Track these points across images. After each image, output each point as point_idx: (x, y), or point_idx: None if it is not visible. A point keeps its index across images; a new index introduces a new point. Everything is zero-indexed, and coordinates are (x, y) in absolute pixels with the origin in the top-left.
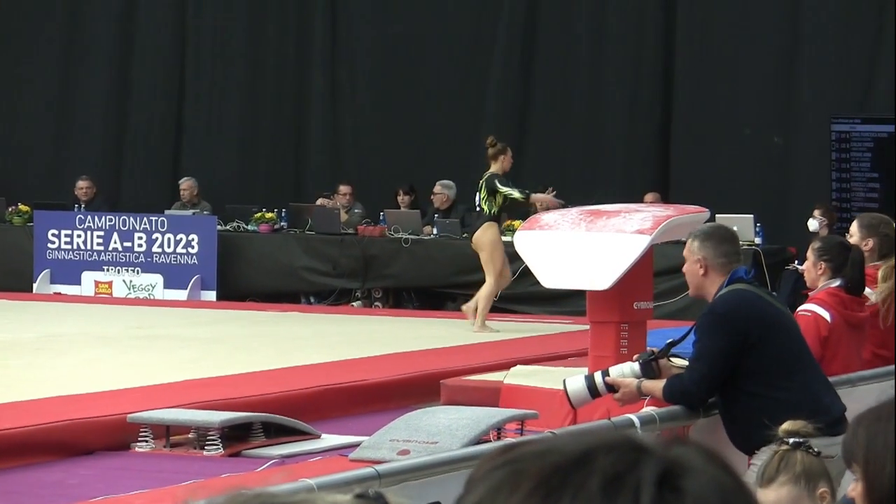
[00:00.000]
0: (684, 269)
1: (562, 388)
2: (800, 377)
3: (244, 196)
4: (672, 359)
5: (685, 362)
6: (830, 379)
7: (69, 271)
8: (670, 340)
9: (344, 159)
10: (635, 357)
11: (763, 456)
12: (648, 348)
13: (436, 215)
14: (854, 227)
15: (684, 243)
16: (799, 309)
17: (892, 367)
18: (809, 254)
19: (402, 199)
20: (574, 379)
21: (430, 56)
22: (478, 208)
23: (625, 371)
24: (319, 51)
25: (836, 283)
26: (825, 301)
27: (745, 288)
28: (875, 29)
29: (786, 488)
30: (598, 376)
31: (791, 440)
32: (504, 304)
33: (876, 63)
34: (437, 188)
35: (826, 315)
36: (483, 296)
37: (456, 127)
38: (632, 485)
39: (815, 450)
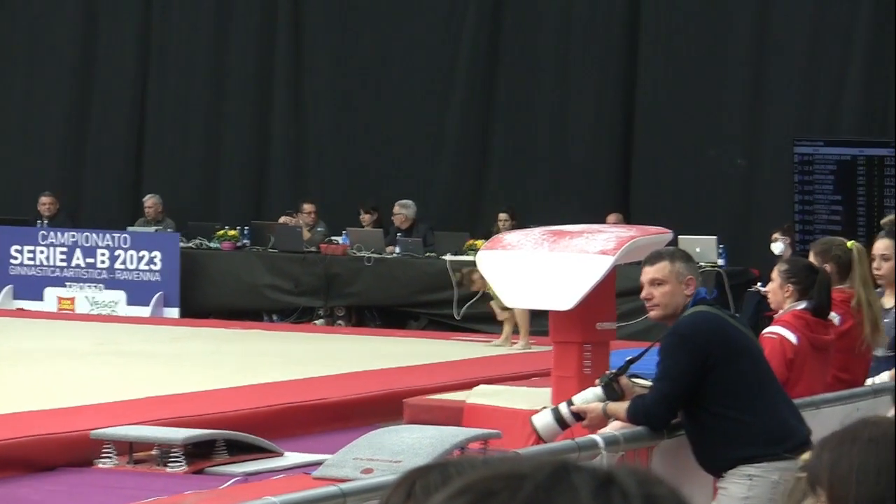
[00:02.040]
0: (664, 290)
1: (524, 407)
2: (765, 399)
3: (207, 213)
4: (635, 379)
5: (649, 382)
6: (795, 401)
7: (32, 287)
8: (629, 358)
9: (306, 178)
10: (597, 381)
11: (732, 478)
12: (609, 370)
13: (398, 234)
14: (811, 255)
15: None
16: (765, 331)
17: (856, 389)
18: (775, 275)
19: (365, 217)
20: (541, 415)
21: (393, 76)
22: None
23: (588, 397)
24: (282, 69)
25: (802, 305)
26: (791, 323)
27: (709, 310)
28: (840, 52)
29: None
30: (563, 407)
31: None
32: (467, 324)
33: (841, 86)
34: (395, 208)
35: (792, 337)
36: (521, 314)
37: (419, 146)
38: (618, 492)
39: None
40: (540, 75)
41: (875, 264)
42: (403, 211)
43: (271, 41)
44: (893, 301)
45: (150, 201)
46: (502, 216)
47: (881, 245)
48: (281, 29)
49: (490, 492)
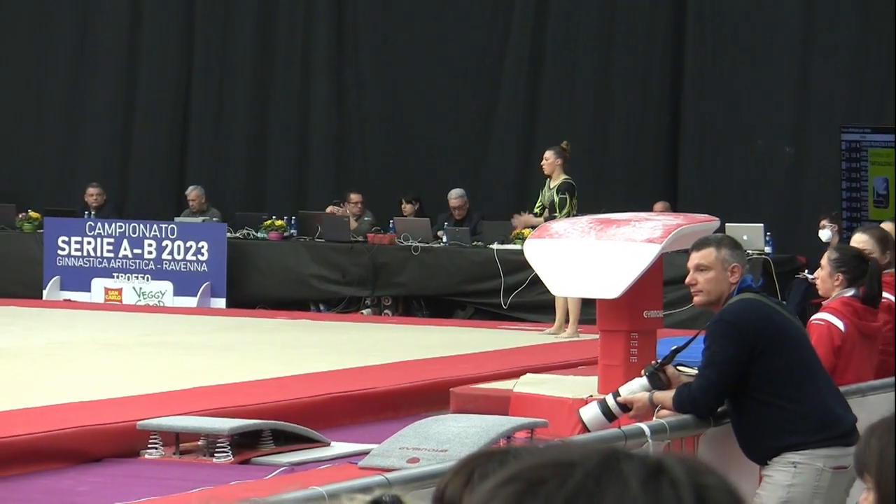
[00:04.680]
0: (708, 276)
1: (570, 396)
2: (811, 387)
3: (253, 203)
4: (681, 368)
5: (694, 371)
6: (842, 389)
7: (79, 278)
8: (675, 347)
9: (351, 167)
10: (642, 371)
11: (777, 466)
12: (656, 359)
13: (445, 223)
14: (863, 238)
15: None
16: (812, 318)
17: None
18: (825, 263)
19: (406, 207)
20: (588, 407)
21: (436, 64)
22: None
23: (633, 388)
24: (324, 58)
25: (850, 292)
26: (839, 310)
27: (755, 297)
28: (889, 40)
29: None
30: (609, 399)
31: None
32: (514, 313)
33: (889, 73)
34: (457, 200)
35: (840, 325)
36: (572, 302)
37: (463, 136)
38: (668, 481)
39: None
40: (585, 64)
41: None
42: (463, 199)
43: (314, 31)
44: None
45: (192, 193)
46: None
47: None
48: (323, 18)
49: (539, 480)
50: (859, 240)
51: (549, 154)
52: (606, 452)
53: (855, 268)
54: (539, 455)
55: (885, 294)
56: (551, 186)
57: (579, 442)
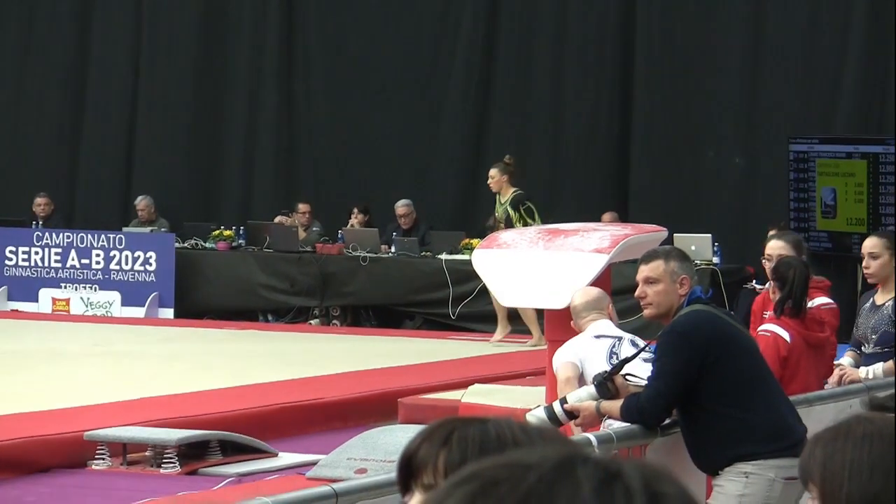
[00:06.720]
0: (657, 289)
1: (519, 407)
2: (763, 397)
3: (202, 213)
4: (630, 377)
5: (643, 381)
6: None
7: (26, 288)
8: (623, 357)
9: (300, 177)
10: (591, 380)
11: (728, 476)
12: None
13: (394, 234)
14: (779, 245)
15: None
16: (759, 329)
17: (850, 386)
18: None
19: (357, 217)
20: (535, 412)
21: (385, 75)
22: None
23: (582, 396)
24: (273, 68)
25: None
26: (784, 321)
27: (705, 308)
28: (837, 50)
29: None
30: (556, 405)
31: None
32: (462, 323)
33: (837, 83)
34: (403, 208)
35: (785, 335)
36: (528, 313)
37: (412, 147)
38: (622, 489)
39: None
40: (535, 74)
41: (864, 263)
42: (410, 210)
43: (263, 40)
44: (888, 298)
45: (142, 203)
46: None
47: (869, 243)
48: (272, 28)
49: (494, 480)
50: (776, 246)
51: (493, 172)
52: (564, 456)
53: (783, 274)
54: (501, 453)
55: (823, 299)
56: (502, 202)
57: (546, 440)
